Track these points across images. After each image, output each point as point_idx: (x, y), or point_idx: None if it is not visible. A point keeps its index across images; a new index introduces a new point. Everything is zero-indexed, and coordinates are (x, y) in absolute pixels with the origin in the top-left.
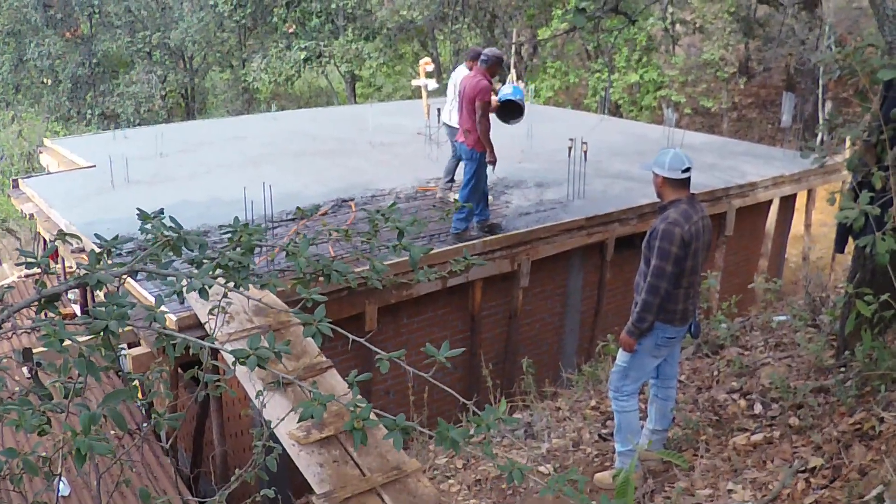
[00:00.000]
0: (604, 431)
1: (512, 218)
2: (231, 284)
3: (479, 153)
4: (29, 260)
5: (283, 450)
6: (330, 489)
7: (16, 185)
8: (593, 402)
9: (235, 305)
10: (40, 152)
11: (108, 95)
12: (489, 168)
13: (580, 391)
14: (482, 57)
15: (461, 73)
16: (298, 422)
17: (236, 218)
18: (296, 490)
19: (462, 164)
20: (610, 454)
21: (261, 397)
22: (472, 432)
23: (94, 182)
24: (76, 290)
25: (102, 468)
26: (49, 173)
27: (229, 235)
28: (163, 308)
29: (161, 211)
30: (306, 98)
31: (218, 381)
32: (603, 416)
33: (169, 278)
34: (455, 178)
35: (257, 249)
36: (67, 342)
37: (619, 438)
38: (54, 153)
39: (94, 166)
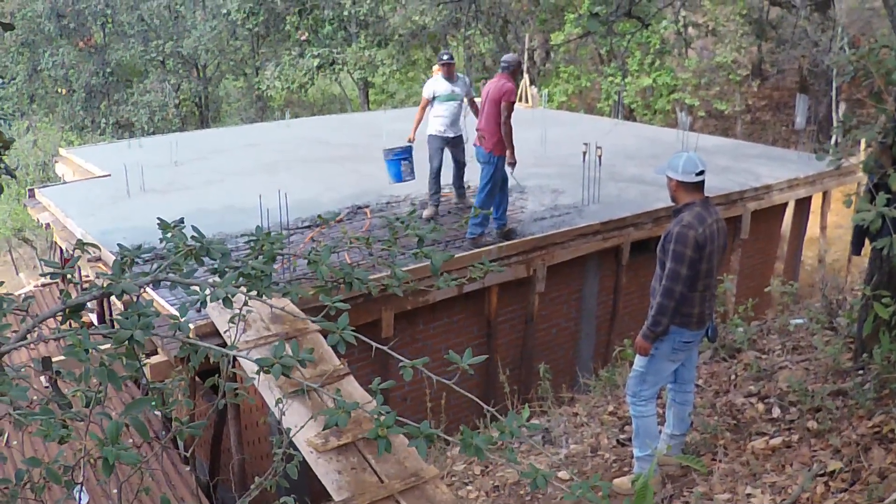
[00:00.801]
0: (622, 437)
1: (527, 223)
2: (253, 293)
3: (496, 157)
4: (53, 270)
5: (302, 457)
6: (348, 496)
7: (32, 195)
8: (611, 408)
9: (252, 313)
10: (55, 162)
11: (122, 104)
12: (508, 170)
13: (597, 396)
14: (503, 63)
15: (438, 81)
16: (323, 429)
17: (258, 227)
18: (314, 497)
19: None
20: (628, 459)
21: (280, 405)
22: (495, 438)
23: (110, 191)
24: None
25: (123, 477)
26: (64, 182)
27: (251, 244)
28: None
29: (181, 220)
30: (319, 105)
31: (237, 389)
32: (621, 421)
33: (192, 287)
34: (464, 184)
35: (277, 257)
36: (91, 351)
37: (637, 443)
38: (69, 162)
39: (110, 175)
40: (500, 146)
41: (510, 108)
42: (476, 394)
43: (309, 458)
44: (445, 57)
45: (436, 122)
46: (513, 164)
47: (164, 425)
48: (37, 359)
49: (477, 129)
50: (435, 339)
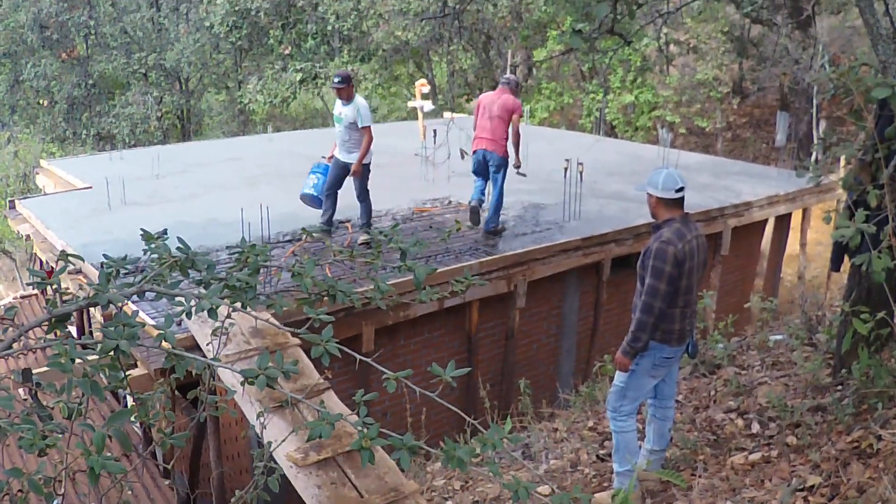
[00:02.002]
0: (602, 452)
1: (508, 238)
2: (238, 305)
3: (506, 159)
4: (39, 280)
5: (282, 472)
6: None
7: (12, 206)
8: (591, 423)
9: (233, 327)
10: (36, 173)
11: (103, 116)
12: (513, 169)
13: (577, 412)
14: (506, 80)
15: (337, 101)
16: (308, 440)
17: (243, 238)
18: None
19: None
20: (608, 475)
21: (261, 419)
22: (477, 451)
23: (91, 203)
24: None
25: (102, 490)
26: (45, 194)
27: (236, 256)
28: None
29: (164, 232)
30: (302, 119)
31: (217, 402)
32: (601, 436)
33: (177, 298)
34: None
35: (262, 270)
36: (77, 362)
37: (617, 459)
38: (50, 174)
39: (91, 187)
40: (505, 150)
41: (518, 120)
42: (457, 409)
43: (289, 473)
44: (336, 80)
45: None
46: (518, 165)
47: (144, 438)
48: (17, 370)
49: (479, 137)
50: (415, 354)
